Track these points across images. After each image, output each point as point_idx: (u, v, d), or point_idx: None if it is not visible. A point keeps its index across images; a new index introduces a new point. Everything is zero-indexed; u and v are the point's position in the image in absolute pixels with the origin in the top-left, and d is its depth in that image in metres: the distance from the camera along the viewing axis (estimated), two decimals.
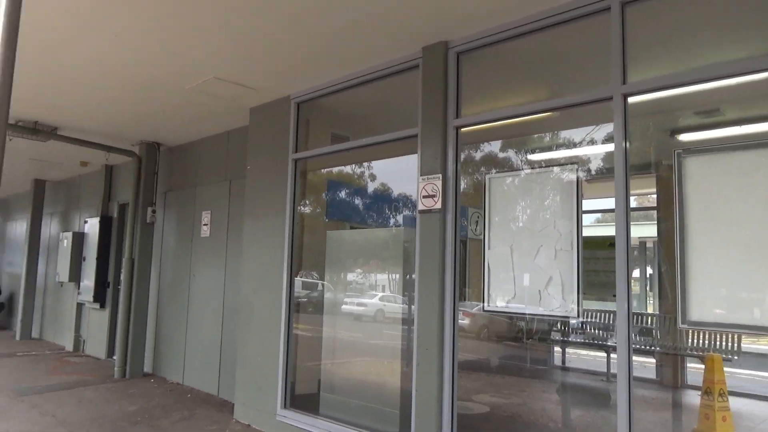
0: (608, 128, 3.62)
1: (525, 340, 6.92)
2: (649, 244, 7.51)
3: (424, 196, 4.38)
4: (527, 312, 3.92)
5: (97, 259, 9.49)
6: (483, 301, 4.12)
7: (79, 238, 10.06)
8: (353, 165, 5.84)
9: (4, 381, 7.36)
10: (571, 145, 4.57)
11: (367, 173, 5.81)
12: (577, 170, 3.75)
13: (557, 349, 6.73)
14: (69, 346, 10.17)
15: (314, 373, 5.56)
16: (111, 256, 9.52)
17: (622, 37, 3.52)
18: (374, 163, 5.68)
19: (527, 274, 3.90)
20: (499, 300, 4.03)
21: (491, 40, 4.22)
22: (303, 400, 5.48)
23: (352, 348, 5.40)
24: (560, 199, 3.79)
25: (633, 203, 3.60)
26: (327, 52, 4.72)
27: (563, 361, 6.79)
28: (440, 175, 4.30)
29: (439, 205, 4.28)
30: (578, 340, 6.46)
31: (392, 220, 5.51)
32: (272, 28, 4.26)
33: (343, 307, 5.44)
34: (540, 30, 4.00)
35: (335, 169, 5.97)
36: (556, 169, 3.88)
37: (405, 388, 4.68)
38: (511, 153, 4.72)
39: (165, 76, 5.38)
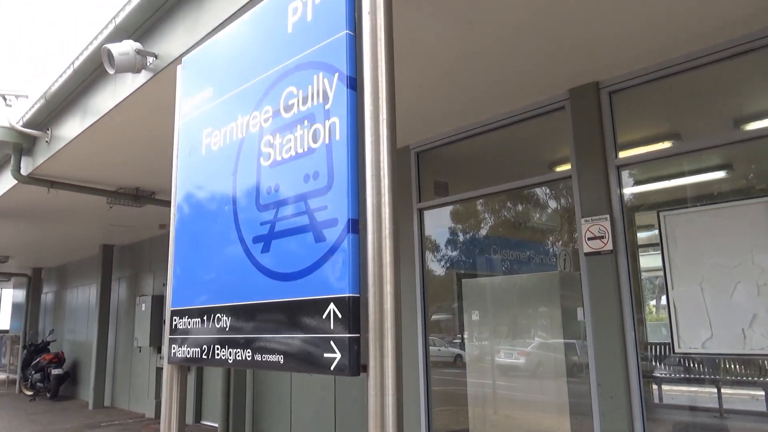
0: None
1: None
2: None
3: (590, 238, 4.29)
4: (729, 353, 3.75)
5: None
6: (672, 343, 3.96)
7: (158, 302, 9.98)
8: (483, 212, 5.76)
9: None
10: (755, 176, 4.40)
11: (495, 218, 5.73)
12: None
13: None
14: (150, 413, 9.96)
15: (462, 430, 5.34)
16: None
17: None
18: (504, 209, 5.61)
19: (724, 312, 3.75)
20: (693, 341, 3.87)
21: (645, 79, 4.21)
22: None
23: (505, 401, 5.20)
24: (755, 232, 3.68)
25: None
26: (465, 101, 4.73)
27: None
28: (607, 216, 4.22)
29: (609, 247, 4.18)
30: None
31: (533, 263, 5.39)
32: (420, 80, 4.28)
33: (494, 358, 5.27)
34: (701, 66, 3.98)
35: (459, 217, 5.90)
36: (746, 201, 3.79)
37: None
38: (685, 187, 4.59)
39: None
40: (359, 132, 1.68)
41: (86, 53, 4.46)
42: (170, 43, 3.80)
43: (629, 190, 4.35)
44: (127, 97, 4.28)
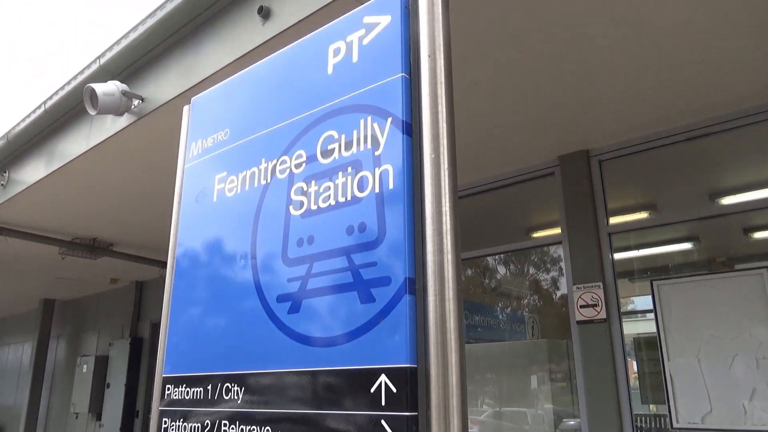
0: None
1: None
2: None
3: (582, 306, 4.19)
4: (730, 428, 3.64)
5: (126, 386, 8.68)
6: (670, 417, 3.83)
7: (101, 363, 9.25)
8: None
9: None
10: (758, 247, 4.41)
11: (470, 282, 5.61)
12: (767, 274, 3.67)
13: None
14: None
15: None
16: (141, 383, 8.74)
17: None
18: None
19: (723, 385, 3.67)
20: (692, 416, 3.75)
21: (633, 150, 4.29)
22: None
23: None
24: (751, 304, 3.66)
25: None
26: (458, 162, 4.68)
27: None
28: (600, 283, 4.15)
29: (603, 315, 4.09)
30: None
31: (501, 329, 5.24)
32: None
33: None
34: (685, 141, 4.09)
35: None
36: (741, 272, 3.79)
37: None
38: (680, 256, 4.58)
39: None
40: (415, 181, 1.52)
41: (62, 92, 4.20)
42: (160, 86, 3.61)
43: (622, 257, 4.33)
44: (105, 140, 4.02)
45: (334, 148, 1.71)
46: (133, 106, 3.69)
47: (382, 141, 1.59)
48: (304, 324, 1.62)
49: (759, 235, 4.07)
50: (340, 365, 1.49)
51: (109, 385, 9.02)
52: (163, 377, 2.03)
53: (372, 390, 1.41)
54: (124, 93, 3.58)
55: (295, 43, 1.98)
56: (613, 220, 4.29)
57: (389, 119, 1.59)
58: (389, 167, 1.56)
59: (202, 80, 3.27)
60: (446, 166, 1.50)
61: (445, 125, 1.54)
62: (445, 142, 1.52)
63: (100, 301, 10.22)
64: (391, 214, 1.51)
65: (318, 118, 1.80)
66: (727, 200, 4.13)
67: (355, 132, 1.67)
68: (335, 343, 1.53)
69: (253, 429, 1.65)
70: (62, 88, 4.16)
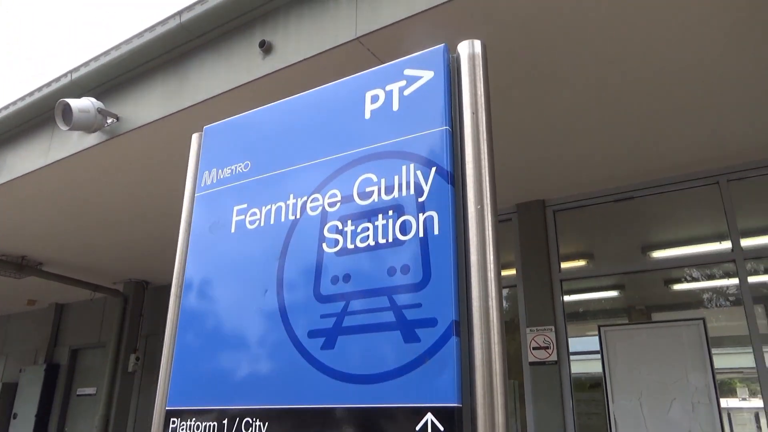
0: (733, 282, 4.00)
1: None
2: None
3: (535, 348, 4.40)
4: None
5: (37, 416, 8.03)
6: None
7: (8, 391, 8.52)
8: None
9: None
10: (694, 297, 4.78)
11: None
12: (704, 324, 4.03)
13: None
14: None
15: None
16: (54, 412, 8.11)
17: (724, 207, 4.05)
18: None
19: (662, 428, 3.96)
20: None
21: (586, 203, 4.63)
22: None
23: None
24: (690, 351, 4.00)
25: None
26: None
27: None
28: (552, 327, 4.39)
29: (554, 357, 4.31)
30: None
31: None
32: None
33: None
34: (643, 196, 4.47)
35: None
36: (681, 323, 4.14)
37: None
38: (626, 303, 4.89)
39: None
40: (458, 229, 1.62)
41: (22, 103, 3.99)
42: (139, 107, 3.53)
43: (571, 301, 4.60)
44: (67, 157, 3.85)
45: (372, 191, 1.79)
46: (105, 125, 3.58)
47: (426, 188, 1.69)
48: (340, 360, 1.65)
49: (678, 287, 4.47)
50: (382, 402, 1.54)
51: (16, 416, 8.29)
52: (167, 410, 1.97)
53: (417, 428, 1.47)
54: (99, 111, 3.47)
55: (327, 85, 2.05)
56: (565, 266, 4.57)
57: (433, 168, 1.70)
58: (434, 214, 1.65)
59: (190, 106, 3.25)
60: (490, 217, 1.62)
61: (488, 179, 1.66)
62: (488, 194, 1.64)
63: (10, 324, 9.45)
64: (437, 259, 1.60)
65: (354, 160, 1.87)
66: (657, 254, 4.54)
67: (396, 177, 1.76)
68: (377, 380, 1.57)
69: None
70: (24, 98, 3.96)
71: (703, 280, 4.26)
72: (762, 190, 4.07)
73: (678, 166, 4.18)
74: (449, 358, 1.49)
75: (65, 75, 3.75)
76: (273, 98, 2.27)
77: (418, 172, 1.72)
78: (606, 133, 3.72)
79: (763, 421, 3.72)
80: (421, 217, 1.67)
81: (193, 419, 1.89)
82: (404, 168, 1.75)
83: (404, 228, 1.68)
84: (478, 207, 1.61)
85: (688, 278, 4.38)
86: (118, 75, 3.63)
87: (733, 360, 4.16)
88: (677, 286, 4.92)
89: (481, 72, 1.77)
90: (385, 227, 1.72)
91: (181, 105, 3.29)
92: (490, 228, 1.60)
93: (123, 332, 7.20)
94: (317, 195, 1.90)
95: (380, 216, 1.75)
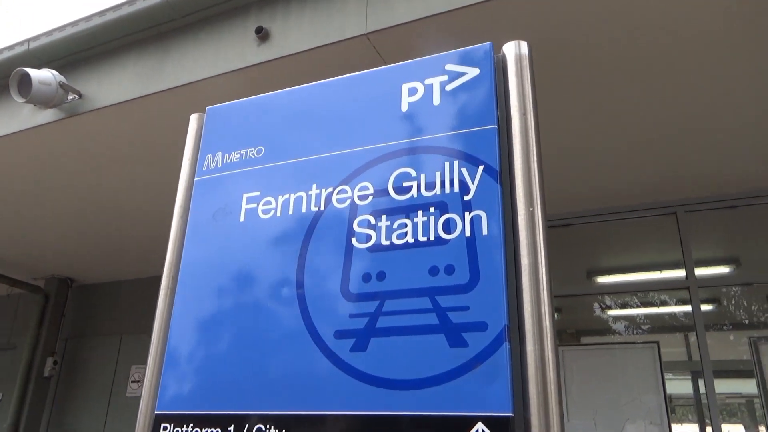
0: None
1: None
2: None
3: None
4: None
5: None
6: None
7: None
8: None
9: None
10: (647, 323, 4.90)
11: None
12: (657, 348, 4.18)
13: None
14: None
15: None
16: None
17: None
18: None
19: None
20: None
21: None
22: None
23: None
24: (643, 373, 4.13)
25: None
26: None
27: None
28: None
29: None
30: None
31: None
32: None
33: None
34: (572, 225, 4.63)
35: None
36: (637, 345, 4.27)
37: None
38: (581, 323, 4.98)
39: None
40: (507, 230, 1.56)
41: None
42: (107, 86, 3.25)
43: None
44: (15, 133, 3.47)
45: (411, 186, 1.69)
46: (66, 101, 3.26)
47: (472, 187, 1.62)
48: (374, 364, 1.53)
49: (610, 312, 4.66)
50: (425, 410, 1.43)
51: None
52: (156, 415, 1.76)
53: None
54: (61, 85, 3.15)
55: (356, 74, 1.95)
56: None
57: (481, 167, 1.63)
58: (482, 213, 1.58)
59: (172, 88, 3.02)
60: (540, 219, 1.56)
61: (537, 181, 1.61)
62: (538, 196, 1.59)
63: None
64: (486, 261, 1.52)
65: (388, 153, 1.77)
66: (600, 279, 4.73)
67: (438, 173, 1.67)
68: (418, 386, 1.47)
69: None
70: None
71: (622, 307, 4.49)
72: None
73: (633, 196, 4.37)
74: (502, 364, 1.41)
75: (22, 43, 3.39)
76: (267, 88, 2.14)
77: (464, 170, 1.65)
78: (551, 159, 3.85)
79: None
80: (468, 216, 1.59)
81: (190, 425, 1.69)
82: (447, 164, 1.67)
83: (448, 226, 1.60)
84: (531, 210, 1.56)
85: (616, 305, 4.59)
86: (84, 49, 3.32)
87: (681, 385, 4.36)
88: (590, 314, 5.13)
89: (529, 73, 1.74)
90: (425, 224, 1.63)
91: (158, 87, 3.05)
92: (540, 230, 1.55)
93: (41, 333, 6.58)
94: (345, 187, 1.78)
95: (420, 212, 1.65)
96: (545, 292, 1.49)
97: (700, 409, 4.01)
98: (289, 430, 1.56)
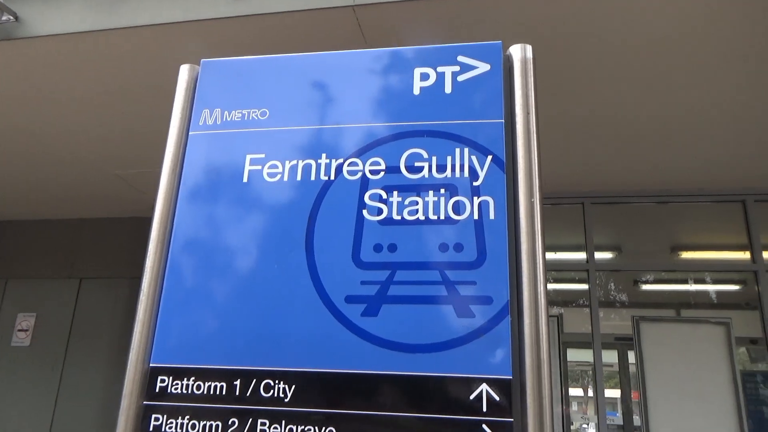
0: None
1: None
2: None
3: None
4: None
5: None
6: None
7: None
8: None
9: None
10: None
11: None
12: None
13: None
14: None
15: None
16: None
17: None
18: None
19: None
20: None
21: None
22: None
23: None
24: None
25: None
26: None
27: None
28: None
29: None
30: None
31: None
32: None
33: None
34: None
35: None
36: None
37: None
38: None
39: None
40: (509, 216, 1.75)
41: None
42: (52, 11, 2.96)
43: None
44: None
45: (423, 167, 1.82)
46: None
47: (481, 174, 1.78)
48: (385, 328, 1.67)
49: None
50: (435, 371, 1.60)
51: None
52: (151, 367, 1.77)
53: (471, 397, 1.57)
54: None
55: (370, 50, 2.01)
56: None
57: (489, 156, 1.80)
58: (490, 199, 1.75)
59: (128, 27, 2.83)
60: (538, 209, 1.77)
61: (537, 174, 1.81)
62: (537, 188, 1.79)
63: None
64: (492, 242, 1.70)
65: (401, 133, 1.88)
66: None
67: (449, 158, 1.82)
68: (428, 350, 1.63)
69: (310, 429, 1.61)
70: None
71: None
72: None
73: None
74: (504, 335, 1.61)
75: None
76: (236, 47, 2.13)
77: (473, 157, 1.80)
78: None
79: None
80: (476, 200, 1.75)
81: (191, 378, 1.73)
82: (458, 150, 1.82)
83: (457, 208, 1.76)
84: (532, 200, 1.76)
85: None
86: None
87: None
88: None
89: (532, 76, 1.92)
90: (436, 204, 1.77)
91: (112, 24, 2.84)
92: (538, 218, 1.76)
93: None
94: (356, 159, 1.87)
95: (431, 192, 1.79)
96: (541, 273, 1.70)
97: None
98: (298, 385, 1.66)
